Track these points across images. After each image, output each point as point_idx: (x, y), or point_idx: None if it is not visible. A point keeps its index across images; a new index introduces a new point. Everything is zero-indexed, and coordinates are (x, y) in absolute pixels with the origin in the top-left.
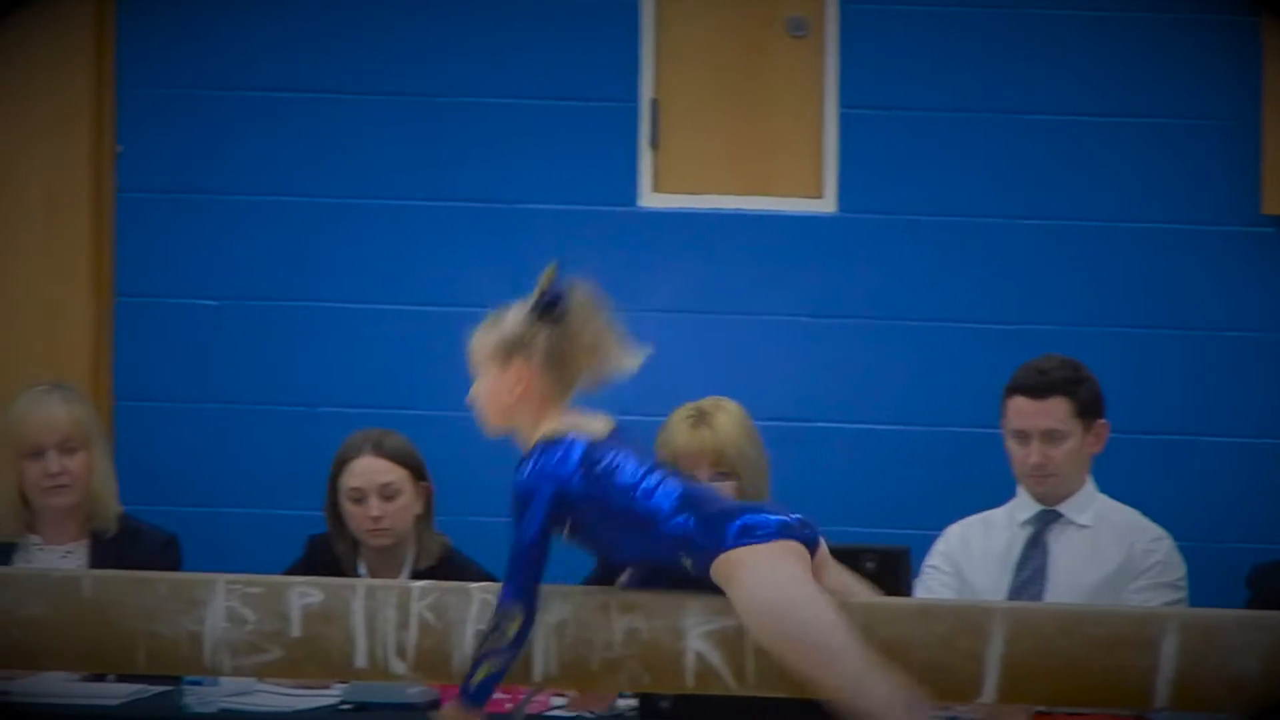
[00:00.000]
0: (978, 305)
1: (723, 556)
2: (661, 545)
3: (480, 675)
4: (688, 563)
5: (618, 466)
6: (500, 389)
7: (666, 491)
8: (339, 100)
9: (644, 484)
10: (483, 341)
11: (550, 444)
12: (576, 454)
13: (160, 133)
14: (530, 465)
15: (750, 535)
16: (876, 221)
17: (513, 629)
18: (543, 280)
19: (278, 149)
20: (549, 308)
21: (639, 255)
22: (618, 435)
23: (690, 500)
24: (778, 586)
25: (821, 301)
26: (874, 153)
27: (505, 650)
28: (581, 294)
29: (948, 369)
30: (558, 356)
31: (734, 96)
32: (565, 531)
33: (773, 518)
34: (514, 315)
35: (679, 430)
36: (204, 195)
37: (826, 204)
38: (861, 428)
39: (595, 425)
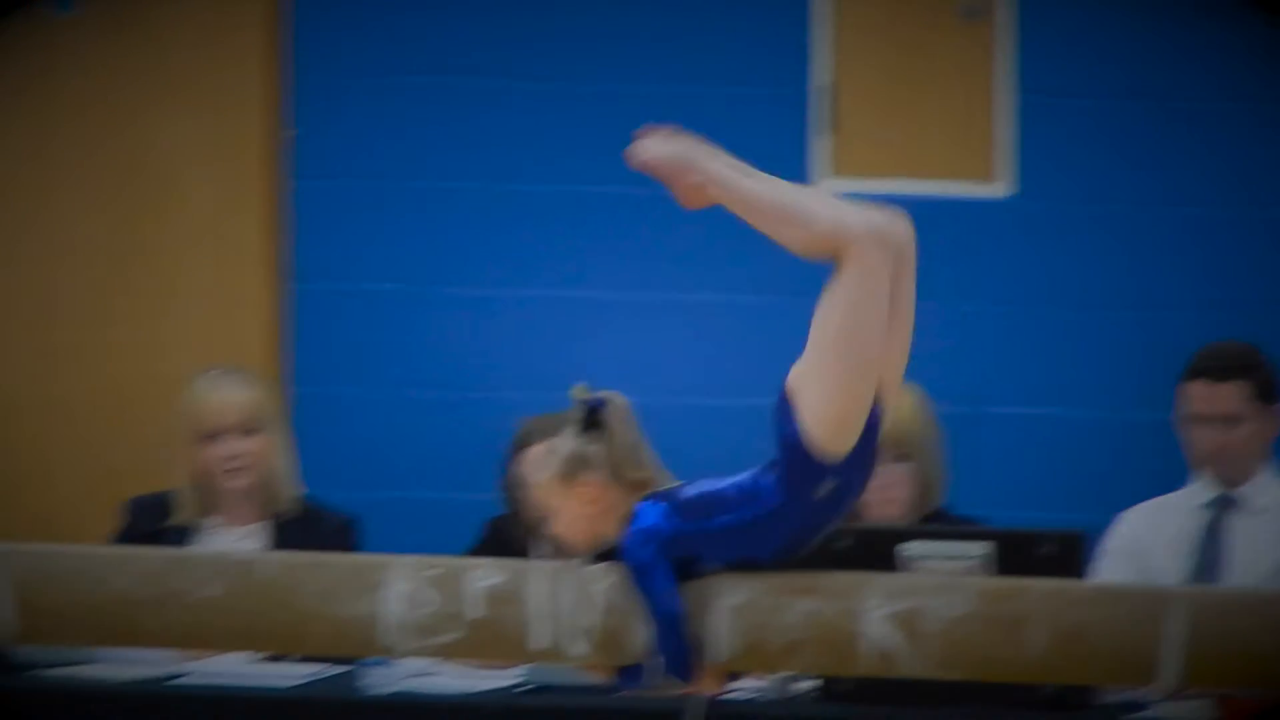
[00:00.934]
0: (1154, 290)
1: (804, 431)
2: (795, 514)
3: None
4: (829, 484)
5: (702, 492)
6: (576, 512)
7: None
8: (513, 86)
9: (731, 486)
10: (545, 477)
11: (635, 515)
12: (661, 507)
13: (335, 117)
14: (626, 541)
15: (787, 410)
16: (1051, 206)
17: (671, 690)
18: (577, 395)
19: (454, 134)
20: (592, 418)
21: None
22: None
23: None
24: (819, 349)
25: (998, 285)
26: (1048, 136)
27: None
28: (616, 402)
29: (1125, 354)
30: (615, 463)
31: (908, 81)
32: (705, 569)
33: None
34: (564, 439)
35: None
36: (379, 180)
37: (1000, 188)
38: (1037, 412)
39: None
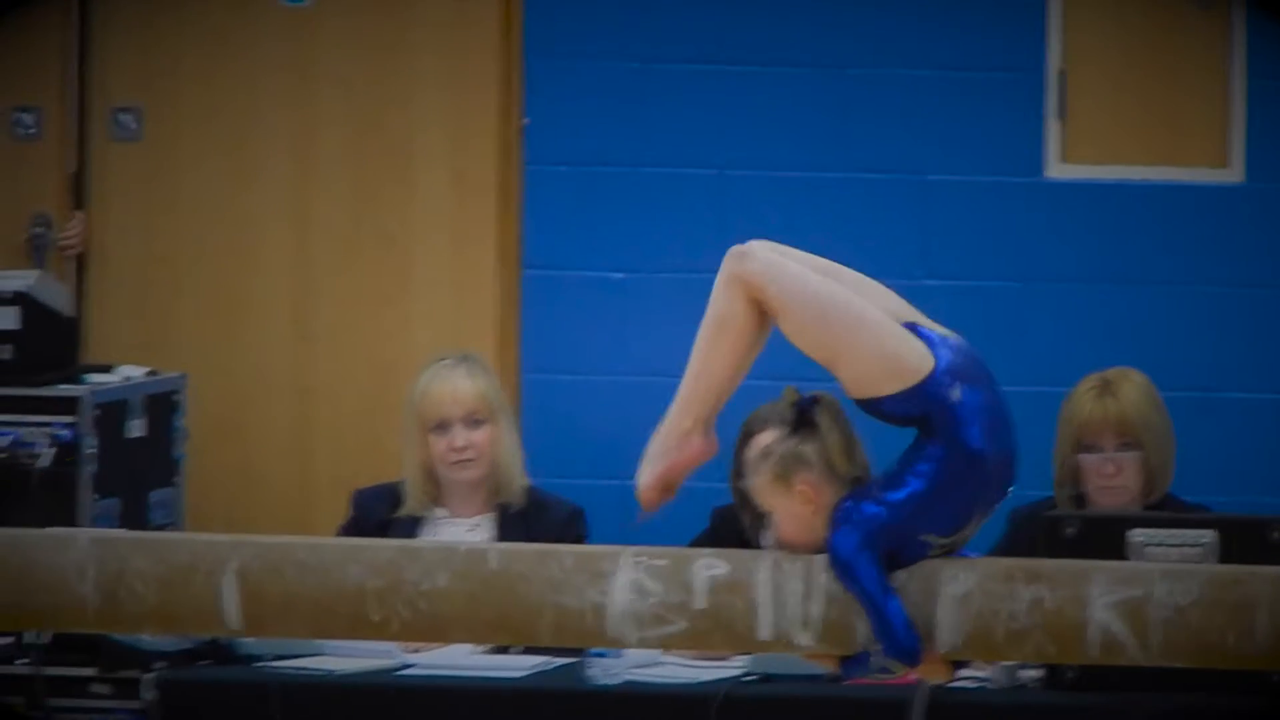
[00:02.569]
0: None
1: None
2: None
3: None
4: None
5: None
6: (796, 513)
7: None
8: (745, 72)
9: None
10: (760, 480)
11: (840, 505)
12: (859, 501)
13: (568, 105)
14: (833, 532)
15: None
16: None
17: (899, 670)
18: (787, 396)
19: (684, 121)
20: (803, 418)
21: (1045, 225)
22: None
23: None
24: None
25: (1229, 271)
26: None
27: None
28: (826, 401)
29: None
30: (828, 460)
31: (1140, 67)
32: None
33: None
34: (776, 440)
35: (1084, 401)
36: (610, 168)
37: (1234, 174)
38: (1268, 397)
39: None
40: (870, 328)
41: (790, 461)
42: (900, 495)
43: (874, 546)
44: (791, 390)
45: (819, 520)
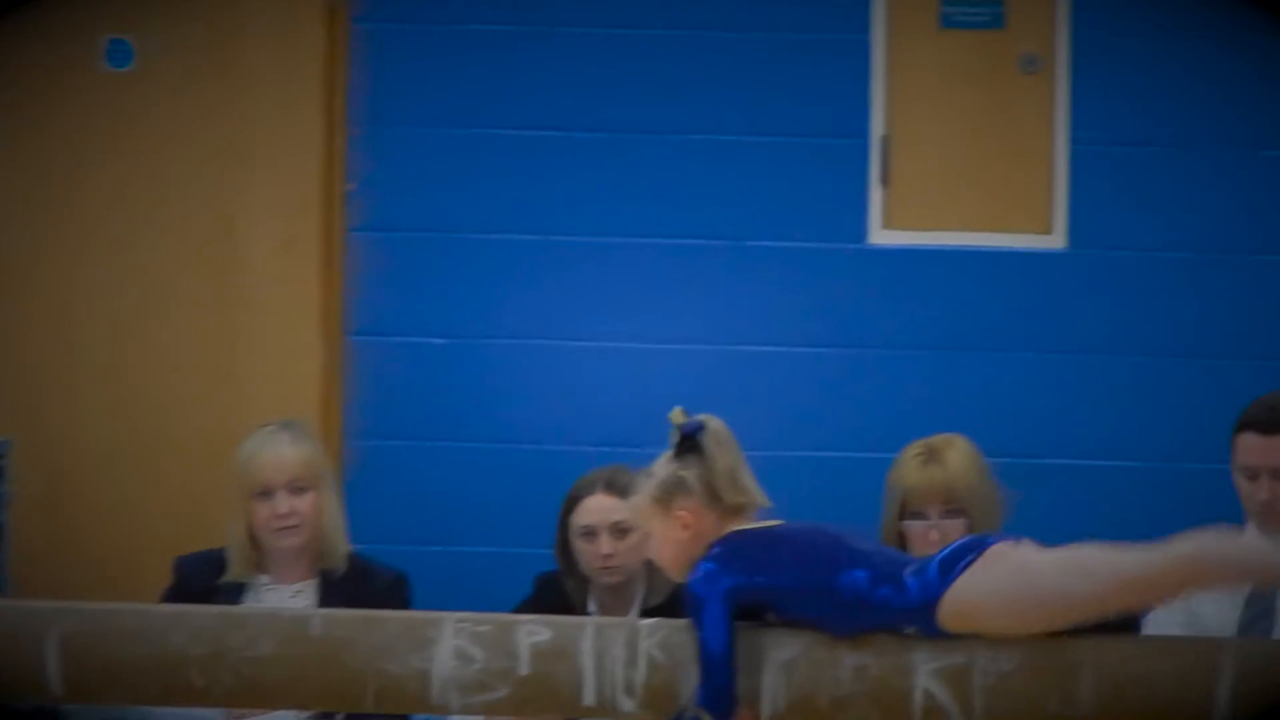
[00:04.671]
0: (1208, 340)
1: (943, 604)
2: (876, 617)
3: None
4: (911, 630)
5: (800, 552)
6: (672, 536)
7: (857, 572)
8: (569, 138)
9: (831, 564)
10: (641, 500)
11: (722, 544)
12: (748, 548)
13: (391, 171)
14: (700, 569)
15: (953, 568)
16: (1106, 257)
17: None
18: (675, 419)
19: (507, 187)
20: (690, 443)
21: (869, 292)
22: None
23: (881, 571)
24: (1010, 582)
25: (1052, 337)
26: (1104, 188)
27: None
28: (714, 426)
29: (1181, 404)
30: (711, 488)
31: (965, 132)
32: (771, 619)
33: (961, 541)
34: (661, 464)
35: (909, 468)
36: (434, 234)
37: (1056, 240)
38: (1093, 464)
39: (767, 523)
40: None
41: (671, 486)
42: (785, 581)
43: (733, 599)
44: (680, 413)
45: (696, 547)
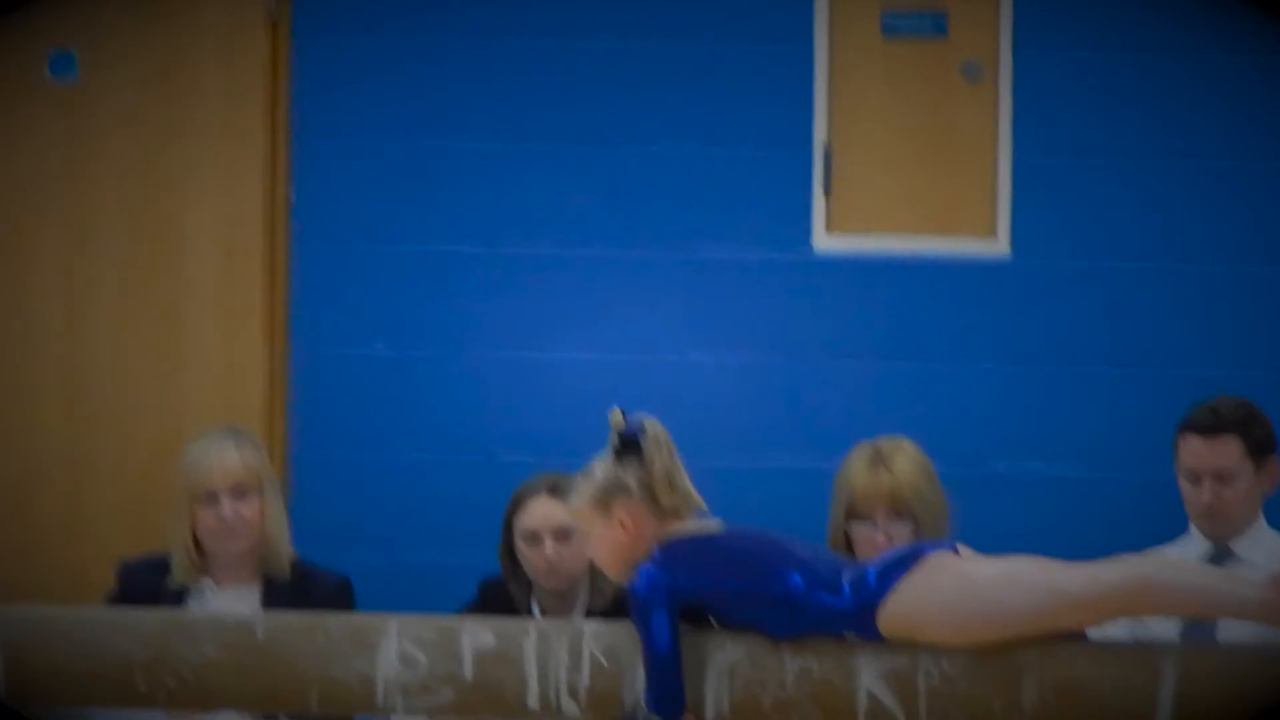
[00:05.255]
0: (1151, 349)
1: (882, 611)
2: (815, 621)
3: None
4: (849, 635)
5: (740, 556)
6: (611, 537)
7: (796, 576)
8: (515, 149)
9: (770, 568)
10: (580, 501)
11: (662, 547)
12: (689, 551)
13: (335, 182)
14: (643, 571)
15: (890, 576)
16: (1049, 265)
17: None
18: (614, 422)
19: (454, 198)
20: (629, 445)
21: (812, 300)
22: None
23: (820, 577)
24: (949, 593)
25: (995, 344)
26: (1047, 197)
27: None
28: (652, 428)
29: (1124, 411)
30: (650, 490)
31: (907, 141)
32: (714, 622)
33: (899, 550)
34: (600, 466)
35: (857, 471)
36: (380, 245)
37: (1000, 246)
38: (1036, 470)
39: (707, 526)
40: None
41: (611, 488)
42: (729, 586)
43: (677, 600)
44: (618, 414)
45: (636, 549)
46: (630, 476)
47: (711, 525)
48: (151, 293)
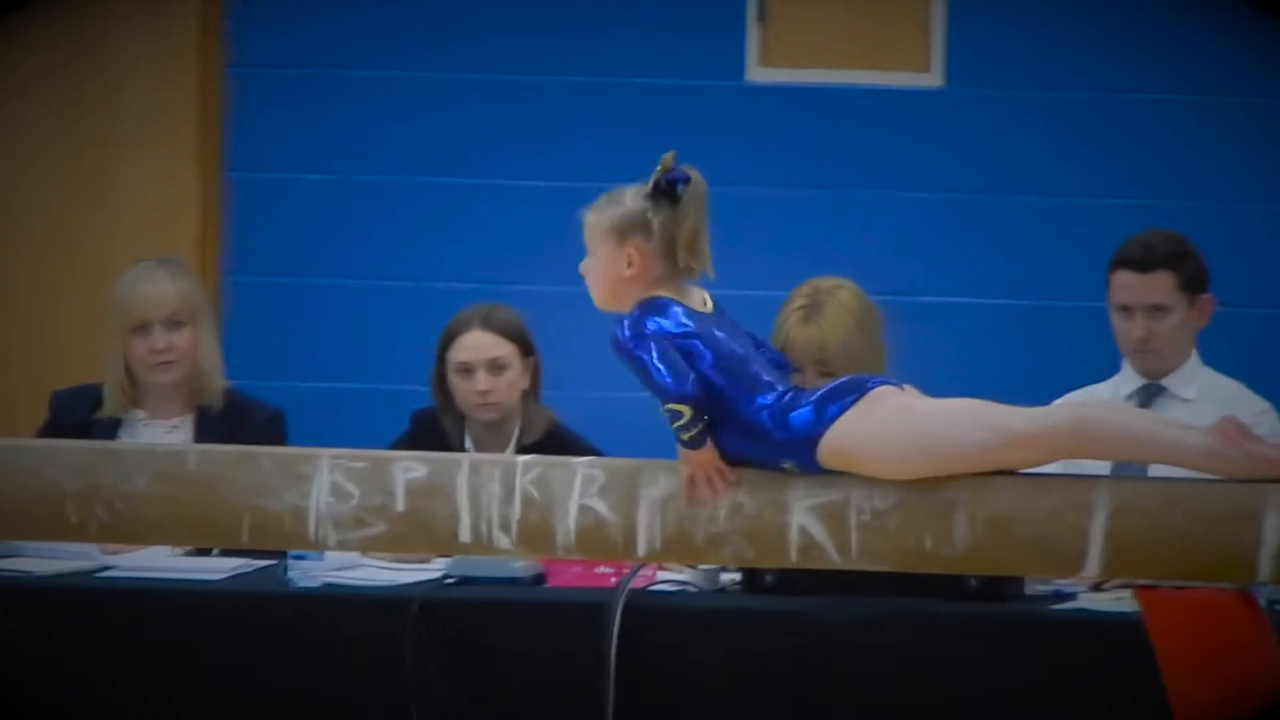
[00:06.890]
0: (1083, 180)
1: (824, 442)
2: (758, 447)
3: (684, 436)
4: (789, 465)
5: (716, 341)
6: (614, 267)
7: (761, 398)
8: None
9: (736, 367)
10: (599, 218)
11: (649, 303)
12: (677, 317)
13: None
14: (628, 323)
15: (834, 407)
16: (983, 96)
17: (687, 415)
18: (665, 162)
19: (388, 20)
20: (669, 190)
21: (746, 129)
22: (719, 315)
23: (774, 403)
24: (895, 425)
25: (928, 176)
26: (982, 27)
27: (690, 424)
28: (696, 183)
29: (1053, 244)
30: (671, 240)
31: None
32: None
33: (840, 380)
34: (633, 195)
35: (790, 322)
36: (318, 70)
37: (934, 78)
38: (968, 302)
39: (697, 298)
40: None
41: (634, 221)
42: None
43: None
44: (671, 157)
45: (630, 290)
46: (657, 219)
47: (700, 298)
48: (83, 120)
